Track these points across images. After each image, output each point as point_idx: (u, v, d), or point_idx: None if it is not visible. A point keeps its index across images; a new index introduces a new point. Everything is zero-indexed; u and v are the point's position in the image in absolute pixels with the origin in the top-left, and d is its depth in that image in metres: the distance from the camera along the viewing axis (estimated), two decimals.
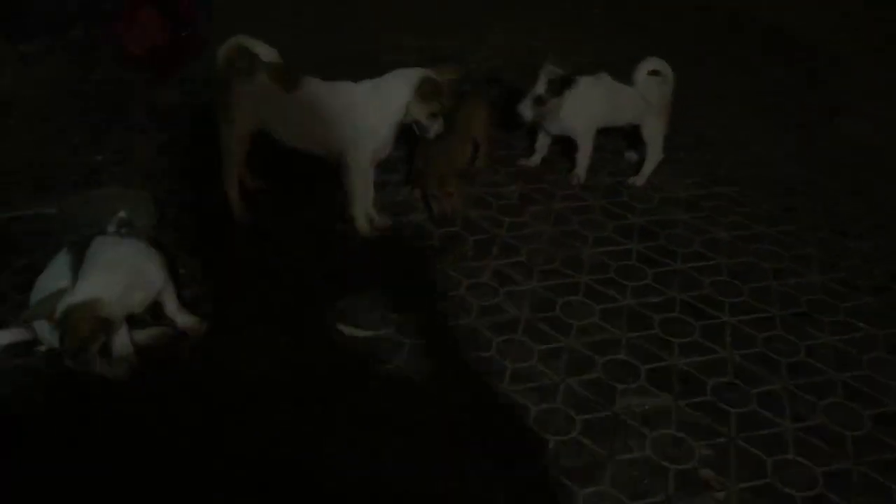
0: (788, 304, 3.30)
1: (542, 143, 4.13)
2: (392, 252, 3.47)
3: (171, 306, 2.88)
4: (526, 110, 3.75)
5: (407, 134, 3.53)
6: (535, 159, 4.16)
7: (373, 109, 3.28)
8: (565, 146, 4.13)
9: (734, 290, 3.37)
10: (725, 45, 6.04)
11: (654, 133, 4.06)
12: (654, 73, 3.93)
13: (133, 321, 2.79)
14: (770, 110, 5.01)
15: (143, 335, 2.83)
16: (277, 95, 3.30)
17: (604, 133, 4.13)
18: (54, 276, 2.66)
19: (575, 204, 3.93)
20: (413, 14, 6.18)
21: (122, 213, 3.41)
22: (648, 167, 4.13)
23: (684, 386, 2.87)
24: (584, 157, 4.07)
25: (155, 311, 2.89)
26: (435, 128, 3.34)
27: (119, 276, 2.58)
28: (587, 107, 3.90)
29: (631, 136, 4.35)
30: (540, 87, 3.72)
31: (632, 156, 4.35)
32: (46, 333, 2.61)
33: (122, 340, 2.73)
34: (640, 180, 4.12)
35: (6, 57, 4.84)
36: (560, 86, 3.75)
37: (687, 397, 2.81)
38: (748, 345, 3.07)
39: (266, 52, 3.34)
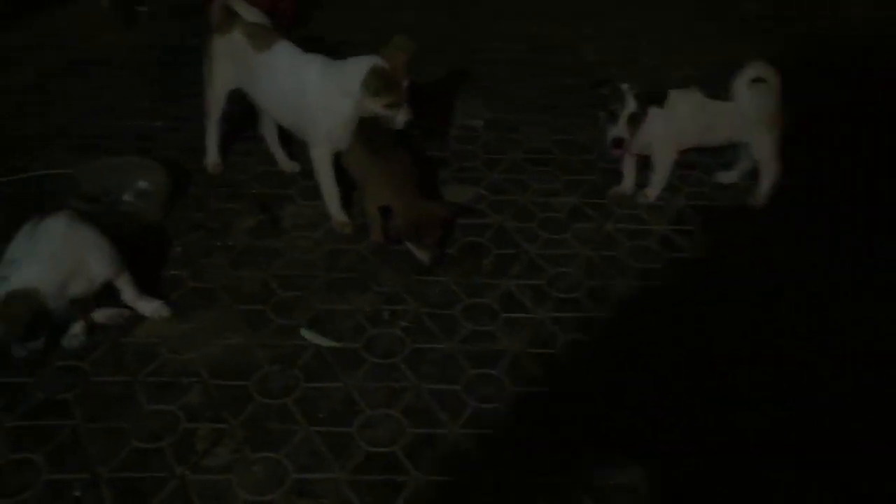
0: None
1: (629, 165, 3.61)
2: (398, 256, 3.17)
3: (128, 294, 2.77)
4: (621, 132, 3.27)
5: None
6: (627, 184, 3.63)
7: (323, 96, 3.05)
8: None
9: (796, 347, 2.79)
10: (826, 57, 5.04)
11: (765, 150, 3.48)
12: (759, 80, 3.35)
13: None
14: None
15: (99, 315, 2.76)
16: (250, 55, 3.21)
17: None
18: (14, 247, 2.63)
19: (632, 226, 3.43)
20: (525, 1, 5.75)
21: (141, 183, 3.39)
22: (766, 187, 3.54)
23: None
24: (659, 177, 3.56)
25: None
26: (399, 118, 3.03)
27: (59, 268, 2.50)
28: (671, 124, 3.39)
29: (726, 152, 3.75)
30: (630, 105, 3.25)
31: (724, 176, 3.76)
32: None
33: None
34: (759, 201, 3.56)
35: (109, 19, 4.99)
36: (649, 100, 3.29)
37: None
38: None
39: (248, 13, 3.31)
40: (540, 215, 3.47)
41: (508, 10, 5.54)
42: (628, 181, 3.61)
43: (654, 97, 3.31)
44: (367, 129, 3.15)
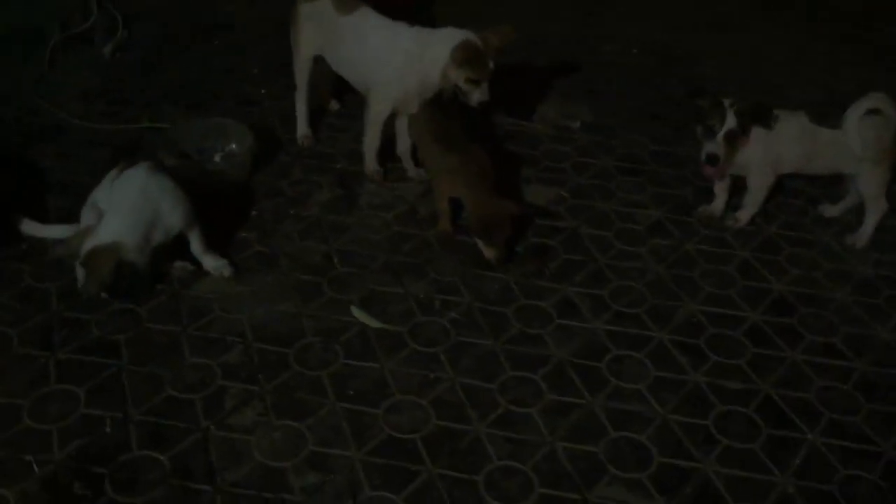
0: None
1: (723, 185, 3.41)
2: (463, 247, 3.14)
3: (196, 247, 2.87)
4: (716, 148, 3.08)
5: None
6: (718, 205, 3.44)
7: (407, 57, 3.16)
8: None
9: (851, 404, 2.59)
10: None
11: (872, 185, 3.25)
12: (874, 111, 3.12)
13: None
14: None
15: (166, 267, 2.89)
16: (334, 17, 3.33)
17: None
18: (98, 192, 2.80)
19: (713, 248, 3.27)
20: (661, 6, 5.52)
21: (233, 145, 3.50)
22: (869, 225, 3.32)
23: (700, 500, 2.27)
24: (752, 201, 3.37)
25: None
26: (476, 96, 3.11)
27: (140, 219, 2.64)
28: (771, 146, 3.20)
29: (831, 183, 3.52)
30: (730, 121, 3.07)
31: (827, 209, 3.52)
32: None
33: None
34: (860, 240, 3.33)
35: None
36: (751, 118, 3.11)
37: None
38: (818, 478, 2.34)
39: None
40: (618, 225, 3.36)
41: (631, 13, 5.37)
42: (719, 201, 3.44)
43: (758, 116, 3.13)
44: (442, 122, 3.17)
